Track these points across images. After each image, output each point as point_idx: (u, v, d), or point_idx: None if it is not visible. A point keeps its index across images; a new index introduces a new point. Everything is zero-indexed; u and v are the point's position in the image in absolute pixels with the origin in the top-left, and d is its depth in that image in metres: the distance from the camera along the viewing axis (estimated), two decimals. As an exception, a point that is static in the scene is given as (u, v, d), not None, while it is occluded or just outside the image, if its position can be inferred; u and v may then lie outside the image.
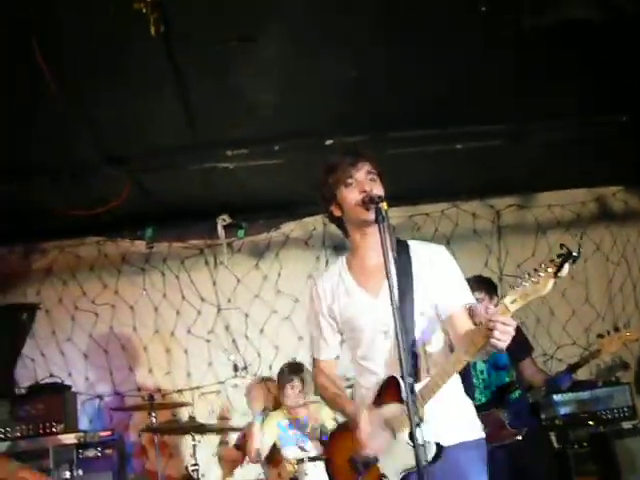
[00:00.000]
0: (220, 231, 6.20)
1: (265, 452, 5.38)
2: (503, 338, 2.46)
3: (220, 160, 5.07)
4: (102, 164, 4.88)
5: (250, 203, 6.08)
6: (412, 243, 2.99)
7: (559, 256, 2.42)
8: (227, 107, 4.43)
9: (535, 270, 2.48)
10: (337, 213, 2.95)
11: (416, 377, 2.64)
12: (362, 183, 2.83)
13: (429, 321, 2.87)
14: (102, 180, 5.03)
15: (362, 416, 2.75)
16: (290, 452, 5.24)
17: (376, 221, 2.62)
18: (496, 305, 5.03)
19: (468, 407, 2.94)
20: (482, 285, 5.12)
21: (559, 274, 2.44)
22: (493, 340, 2.47)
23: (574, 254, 2.39)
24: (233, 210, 6.17)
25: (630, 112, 5.02)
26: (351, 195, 2.84)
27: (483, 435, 2.90)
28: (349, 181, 2.85)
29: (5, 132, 4.30)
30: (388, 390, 2.79)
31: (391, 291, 2.50)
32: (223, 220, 6.17)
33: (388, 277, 2.51)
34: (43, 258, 6.30)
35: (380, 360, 2.86)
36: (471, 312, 4.93)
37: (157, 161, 5.01)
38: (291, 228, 6.48)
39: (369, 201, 2.73)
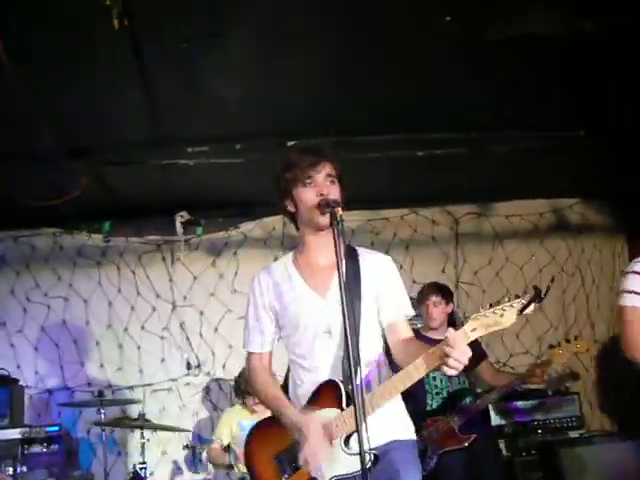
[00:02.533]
0: (178, 228, 6.17)
1: (222, 454, 5.32)
2: (454, 367, 2.46)
3: (181, 156, 5.01)
4: (62, 155, 4.79)
5: (210, 201, 6.05)
6: (360, 250, 2.99)
7: (526, 294, 2.45)
8: (190, 103, 4.38)
9: (499, 302, 2.49)
10: (291, 209, 2.92)
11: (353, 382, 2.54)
12: (320, 185, 2.80)
13: (371, 326, 2.88)
14: (61, 171, 4.94)
15: (312, 430, 2.68)
16: None
17: (330, 225, 2.61)
18: (452, 312, 5.13)
19: (400, 408, 2.91)
20: (439, 290, 5.18)
21: (524, 312, 2.47)
22: (445, 368, 2.48)
23: (542, 296, 2.42)
24: (192, 207, 6.14)
25: (589, 127, 5.09)
26: (308, 196, 2.81)
27: (415, 437, 2.91)
28: (307, 181, 2.82)
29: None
30: (325, 394, 2.77)
31: (342, 293, 2.49)
32: (181, 217, 6.14)
33: (340, 280, 2.50)
34: (-4, 247, 6.18)
35: (319, 360, 2.83)
36: (429, 315, 5.01)
37: (117, 155, 4.93)
38: (250, 228, 6.45)
39: (325, 205, 2.70)
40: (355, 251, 2.96)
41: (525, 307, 2.45)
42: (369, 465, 2.41)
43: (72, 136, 4.68)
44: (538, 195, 6.75)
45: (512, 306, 2.47)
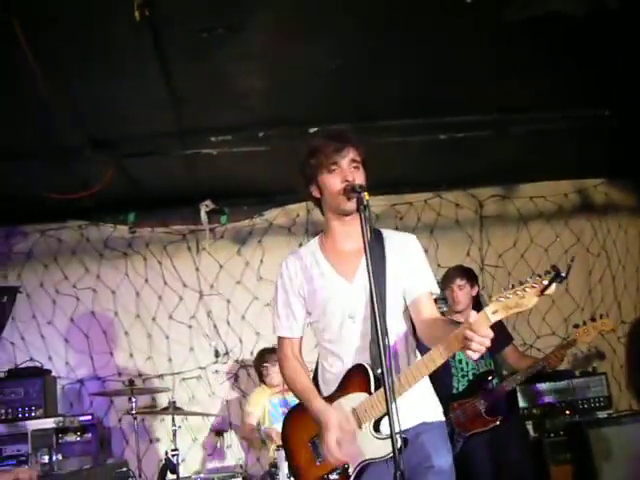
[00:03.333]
0: (203, 217, 6.20)
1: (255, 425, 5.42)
2: (477, 350, 2.46)
3: (204, 146, 5.05)
4: (85, 148, 4.84)
5: (233, 189, 6.08)
6: (385, 232, 2.99)
7: (547, 274, 2.41)
8: (212, 93, 4.42)
9: (521, 283, 2.47)
10: (316, 194, 2.93)
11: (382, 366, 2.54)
12: (345, 171, 2.79)
13: (397, 309, 2.89)
14: (85, 164, 5.00)
15: (332, 423, 2.71)
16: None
17: (357, 211, 2.61)
18: (477, 294, 5.13)
19: (428, 389, 2.92)
20: (464, 274, 5.19)
21: (545, 292, 2.45)
22: (467, 351, 2.48)
23: (562, 275, 2.41)
24: (216, 196, 6.17)
25: (613, 106, 5.05)
26: (333, 181, 2.81)
27: (443, 418, 2.92)
28: (332, 167, 2.81)
29: (-13, 115, 4.27)
30: (354, 379, 2.79)
31: (370, 280, 2.50)
32: (206, 206, 6.17)
33: (368, 267, 2.51)
34: (24, 241, 6.26)
35: (347, 345, 2.84)
36: (454, 298, 5.01)
37: (141, 146, 4.98)
38: (274, 215, 6.48)
39: (351, 190, 2.70)
40: (380, 234, 2.96)
41: (546, 287, 2.44)
42: (400, 448, 2.44)
43: (95, 129, 4.74)
44: (562, 176, 6.69)
45: (533, 286, 2.44)
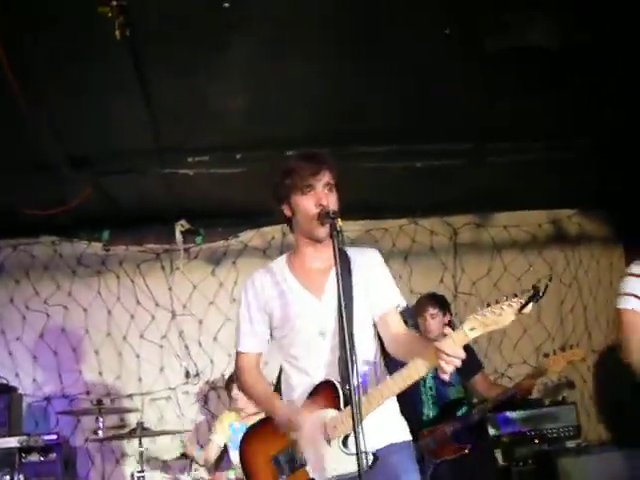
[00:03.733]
0: (178, 237, 6.17)
1: (215, 454, 5.38)
2: (447, 369, 2.50)
3: (181, 166, 5.05)
4: (63, 164, 4.80)
5: (209, 210, 6.07)
6: (349, 249, 2.98)
7: (526, 293, 2.45)
8: (190, 114, 4.42)
9: (497, 302, 2.50)
10: (288, 213, 2.92)
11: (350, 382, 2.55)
12: (319, 195, 2.79)
13: (366, 325, 2.89)
14: (61, 181, 4.96)
15: (302, 419, 2.71)
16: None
17: (330, 237, 2.62)
18: (449, 322, 5.15)
19: (395, 409, 2.93)
20: (436, 302, 5.20)
21: (523, 311, 2.48)
22: (441, 369, 2.51)
23: (541, 294, 2.45)
24: (192, 216, 6.15)
25: (590, 137, 5.11)
26: (307, 204, 2.81)
27: (410, 437, 2.92)
28: (307, 190, 2.81)
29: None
30: (322, 394, 2.77)
31: (340, 299, 2.54)
32: (181, 226, 6.15)
33: (338, 289, 2.54)
34: (-5, 255, 6.19)
35: (315, 361, 2.83)
36: (426, 327, 5.03)
37: (118, 164, 4.95)
38: (249, 237, 6.47)
39: (325, 216, 2.71)
40: (345, 252, 2.94)
41: (524, 306, 2.47)
42: (370, 465, 2.44)
43: (73, 146, 4.70)
44: (536, 206, 6.78)
45: (511, 305, 2.48)
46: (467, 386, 5.15)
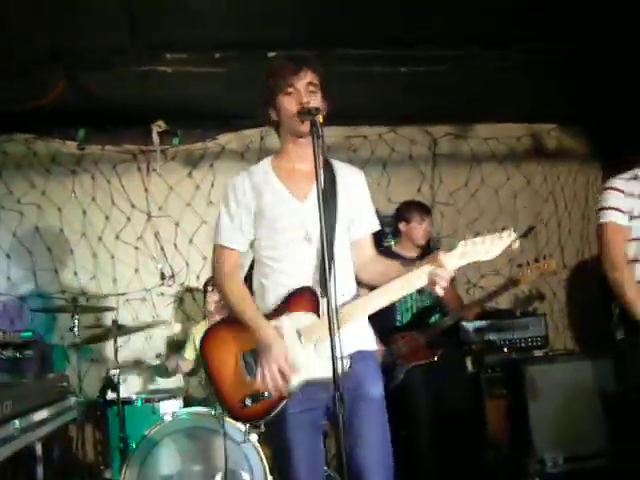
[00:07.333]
0: (155, 137, 6.06)
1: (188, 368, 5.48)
2: (443, 287, 2.65)
3: (159, 63, 4.91)
4: (38, 58, 4.65)
5: (187, 111, 5.92)
6: (335, 162, 3.01)
7: (516, 230, 2.63)
8: (171, 10, 4.27)
9: (489, 232, 2.65)
10: (274, 117, 2.92)
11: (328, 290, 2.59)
12: (300, 93, 2.79)
13: (345, 236, 2.93)
14: (35, 74, 4.81)
15: (279, 350, 2.71)
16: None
17: (310, 132, 2.61)
18: (428, 228, 5.17)
19: (364, 318, 2.95)
20: (424, 210, 5.24)
21: (511, 246, 2.62)
22: (434, 287, 2.64)
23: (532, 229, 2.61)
24: (169, 117, 6.01)
25: (574, 42, 5.00)
26: (288, 103, 2.81)
27: (376, 347, 2.99)
28: (289, 90, 2.81)
29: None
30: (300, 298, 2.78)
31: (319, 197, 2.53)
32: (158, 127, 6.03)
33: (317, 187, 2.53)
34: (-33, 152, 6.06)
35: (297, 265, 2.82)
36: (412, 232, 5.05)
37: (94, 59, 4.81)
38: (228, 139, 6.38)
39: (305, 113, 2.69)
40: (331, 163, 2.98)
41: (513, 243, 2.58)
42: (346, 369, 2.50)
43: (49, 40, 4.54)
44: (517, 119, 6.74)
45: (501, 238, 2.59)
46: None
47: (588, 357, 5.69)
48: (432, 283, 2.65)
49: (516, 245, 2.59)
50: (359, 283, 2.98)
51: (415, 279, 2.70)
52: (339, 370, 2.43)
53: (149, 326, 5.81)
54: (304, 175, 2.86)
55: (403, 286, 2.73)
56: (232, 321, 2.91)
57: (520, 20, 4.58)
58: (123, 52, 4.76)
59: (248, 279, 3.04)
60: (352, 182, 2.99)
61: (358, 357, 2.78)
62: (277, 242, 2.87)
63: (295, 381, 2.73)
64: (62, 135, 6.15)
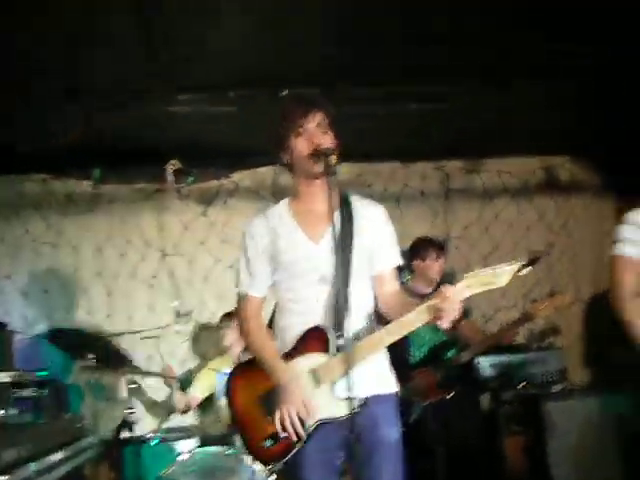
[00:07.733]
0: (169, 176, 6.13)
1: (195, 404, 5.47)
2: (449, 321, 2.62)
3: (173, 104, 4.97)
4: (56, 99, 4.71)
5: (201, 150, 5.98)
6: (354, 198, 3.02)
7: (525, 258, 2.77)
8: (185, 50, 4.34)
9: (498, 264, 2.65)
10: (286, 160, 2.94)
11: (342, 329, 2.68)
12: (312, 134, 2.81)
13: (363, 274, 2.92)
14: (54, 116, 4.89)
15: (295, 392, 2.75)
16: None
17: (324, 174, 2.63)
18: (442, 265, 5.17)
19: (384, 360, 2.97)
20: (439, 246, 5.25)
21: (520, 273, 2.67)
22: (439, 321, 2.61)
23: (539, 259, 2.61)
24: (184, 156, 6.08)
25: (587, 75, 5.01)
26: (300, 145, 2.83)
27: (396, 389, 2.97)
28: (300, 130, 2.83)
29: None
30: (313, 339, 2.80)
31: (335, 239, 2.57)
32: (173, 165, 6.10)
33: (333, 228, 2.58)
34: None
35: (311, 306, 2.84)
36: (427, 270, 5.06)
37: (109, 100, 4.87)
38: (241, 177, 6.43)
39: (318, 154, 2.73)
40: (349, 201, 2.98)
41: (521, 269, 2.58)
42: (358, 409, 2.49)
43: (66, 80, 4.61)
44: (529, 153, 6.75)
45: (507, 266, 2.63)
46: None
47: (607, 392, 5.61)
48: (437, 317, 2.64)
49: (525, 271, 2.61)
50: (380, 317, 2.98)
51: (421, 314, 2.69)
52: (354, 410, 2.44)
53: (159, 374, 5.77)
54: (319, 216, 2.87)
55: (408, 323, 2.72)
56: (251, 364, 2.97)
57: (531, 52, 4.60)
58: (139, 93, 4.82)
59: (272, 320, 3.10)
60: (372, 217, 3.00)
61: (376, 400, 2.80)
62: (294, 285, 2.89)
63: (310, 421, 2.74)
64: (77, 175, 6.21)
